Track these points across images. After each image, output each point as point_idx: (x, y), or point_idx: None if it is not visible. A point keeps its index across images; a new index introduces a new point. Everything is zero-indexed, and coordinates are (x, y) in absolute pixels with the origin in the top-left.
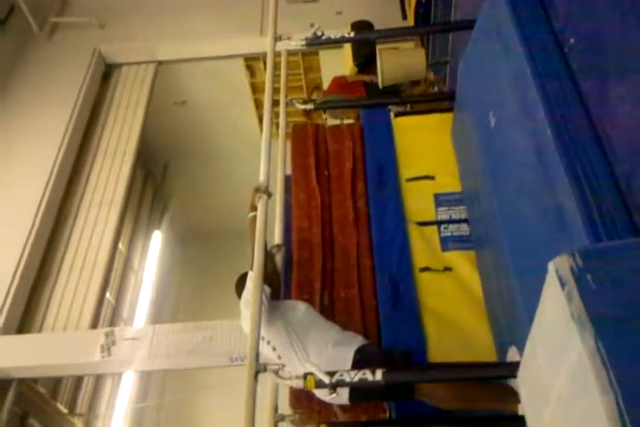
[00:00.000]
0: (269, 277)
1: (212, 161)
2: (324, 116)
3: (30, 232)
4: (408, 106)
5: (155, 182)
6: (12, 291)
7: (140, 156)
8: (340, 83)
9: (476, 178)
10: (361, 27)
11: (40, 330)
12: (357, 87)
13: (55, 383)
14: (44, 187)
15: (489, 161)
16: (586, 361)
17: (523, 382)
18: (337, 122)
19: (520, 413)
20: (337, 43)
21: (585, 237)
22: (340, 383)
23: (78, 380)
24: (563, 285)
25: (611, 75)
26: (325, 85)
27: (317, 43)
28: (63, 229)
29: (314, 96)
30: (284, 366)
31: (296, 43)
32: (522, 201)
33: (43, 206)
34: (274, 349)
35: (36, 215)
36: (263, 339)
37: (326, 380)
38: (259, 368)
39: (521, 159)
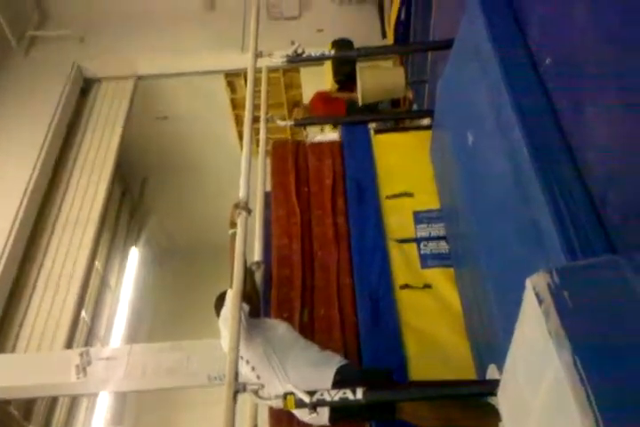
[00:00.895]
0: (248, 294)
1: (191, 177)
2: (305, 133)
3: (4, 249)
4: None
5: (132, 198)
6: None
7: (118, 171)
8: (322, 97)
9: (454, 196)
10: (341, 44)
11: (13, 350)
12: (339, 103)
13: (28, 405)
14: (19, 202)
15: (466, 179)
16: (563, 378)
17: (503, 400)
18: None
19: None
20: (317, 60)
21: (561, 255)
22: (321, 403)
23: (53, 401)
24: (540, 302)
25: (585, 95)
26: (306, 101)
27: (298, 60)
28: (38, 246)
29: (294, 114)
30: (263, 386)
31: (277, 59)
32: (499, 219)
33: (17, 222)
34: (253, 369)
35: (10, 231)
36: (242, 358)
37: (306, 399)
38: (238, 388)
39: (498, 177)
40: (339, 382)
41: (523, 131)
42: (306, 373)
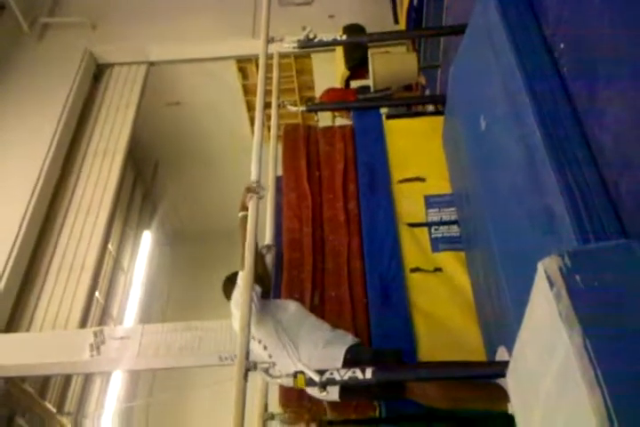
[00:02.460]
0: (260, 276)
1: (203, 162)
2: (316, 118)
3: (19, 231)
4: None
5: (145, 183)
6: (1, 289)
7: (131, 156)
8: (333, 90)
9: (466, 180)
10: (353, 30)
11: (28, 329)
12: (351, 95)
13: (43, 382)
14: (34, 186)
15: (479, 163)
16: (573, 360)
17: (512, 381)
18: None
19: (510, 412)
20: (329, 45)
21: (573, 239)
22: (331, 382)
23: (67, 379)
24: (551, 285)
25: (600, 79)
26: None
27: (309, 45)
28: (52, 229)
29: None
30: (274, 364)
31: (288, 45)
32: (511, 203)
33: (31, 206)
34: (265, 348)
35: (24, 214)
36: (254, 338)
37: (316, 378)
38: (248, 367)
39: (510, 162)
40: (349, 361)
41: (536, 116)
42: (317, 351)
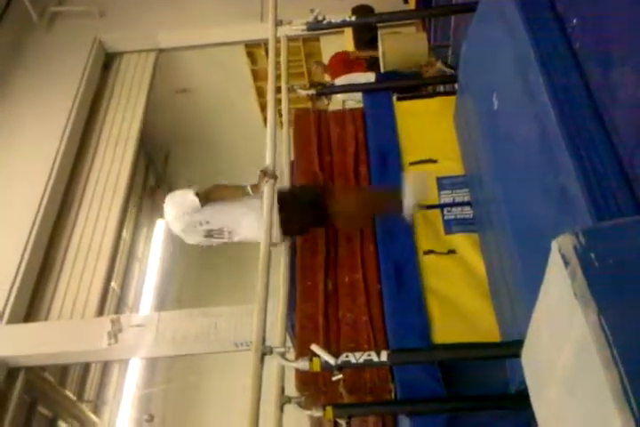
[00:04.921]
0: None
1: (214, 148)
2: (326, 101)
3: (35, 221)
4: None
5: (157, 170)
6: (18, 280)
7: (142, 144)
8: (342, 59)
9: (479, 161)
10: (362, 11)
11: (47, 318)
12: (359, 65)
13: (63, 371)
14: (48, 176)
15: (492, 144)
16: (589, 339)
17: (527, 361)
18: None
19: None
20: (338, 27)
21: (588, 217)
22: (346, 365)
23: (86, 367)
24: (566, 263)
25: (613, 56)
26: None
27: (318, 27)
28: (67, 218)
29: (313, 71)
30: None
31: (297, 27)
32: (525, 183)
33: (46, 195)
34: (207, 222)
35: (40, 204)
36: (200, 224)
37: (332, 361)
38: (265, 351)
39: (524, 142)
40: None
41: (550, 94)
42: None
